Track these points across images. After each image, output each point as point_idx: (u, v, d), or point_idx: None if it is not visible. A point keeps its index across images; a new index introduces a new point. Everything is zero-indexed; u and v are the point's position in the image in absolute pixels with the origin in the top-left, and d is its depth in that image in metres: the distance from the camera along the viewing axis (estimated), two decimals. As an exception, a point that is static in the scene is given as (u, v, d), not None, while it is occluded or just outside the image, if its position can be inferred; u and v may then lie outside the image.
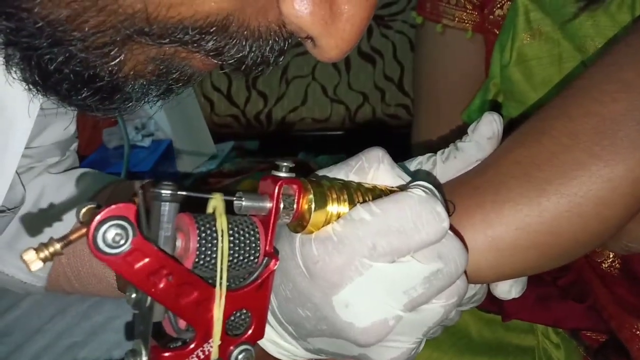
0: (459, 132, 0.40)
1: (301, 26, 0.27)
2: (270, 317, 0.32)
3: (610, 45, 0.38)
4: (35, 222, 0.46)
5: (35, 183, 0.49)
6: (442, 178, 0.36)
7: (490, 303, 0.40)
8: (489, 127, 0.35)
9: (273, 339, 0.33)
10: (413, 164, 0.37)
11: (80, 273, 0.50)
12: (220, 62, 0.27)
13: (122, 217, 0.22)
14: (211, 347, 0.26)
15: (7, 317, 0.54)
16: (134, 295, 0.26)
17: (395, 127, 1.55)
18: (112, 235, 0.22)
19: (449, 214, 0.32)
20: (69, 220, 0.46)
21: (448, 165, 0.36)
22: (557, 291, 0.57)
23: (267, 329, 0.32)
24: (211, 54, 0.26)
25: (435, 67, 0.69)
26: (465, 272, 0.31)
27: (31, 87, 0.27)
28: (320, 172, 0.32)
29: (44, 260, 0.22)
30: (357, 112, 1.56)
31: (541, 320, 0.58)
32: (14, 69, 0.27)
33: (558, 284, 0.57)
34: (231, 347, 0.27)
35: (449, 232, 0.29)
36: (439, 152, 0.37)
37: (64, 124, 0.50)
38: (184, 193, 0.24)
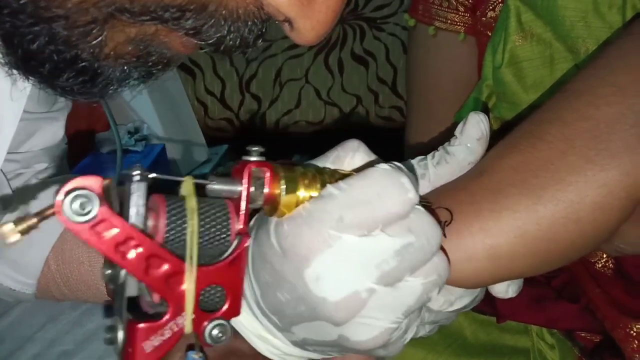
0: (452, 134, 0.40)
1: (278, 8, 0.27)
2: (255, 308, 0.32)
3: (603, 48, 0.38)
4: (12, 200, 0.46)
5: (24, 189, 0.49)
6: (436, 183, 0.36)
7: (485, 304, 0.40)
8: (476, 128, 0.35)
9: (261, 334, 0.32)
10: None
11: (69, 280, 0.50)
12: (199, 42, 0.28)
13: (87, 188, 0.24)
14: (185, 320, 0.27)
15: (-4, 325, 0.54)
16: (108, 271, 0.27)
17: (389, 129, 1.55)
18: (79, 203, 0.23)
19: (447, 222, 0.32)
20: (46, 198, 0.46)
21: (440, 170, 0.35)
22: (551, 292, 0.57)
23: (255, 323, 0.32)
24: (190, 32, 0.27)
25: (428, 70, 0.70)
26: (443, 250, 0.31)
27: (13, 70, 0.28)
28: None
29: (22, 232, 0.23)
30: (351, 115, 1.56)
31: (536, 321, 0.58)
32: None
33: (552, 284, 0.57)
34: (205, 322, 0.28)
35: (420, 207, 0.30)
36: (429, 156, 0.36)
37: (53, 129, 0.50)
38: (154, 175, 0.26)
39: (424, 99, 0.71)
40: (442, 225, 0.32)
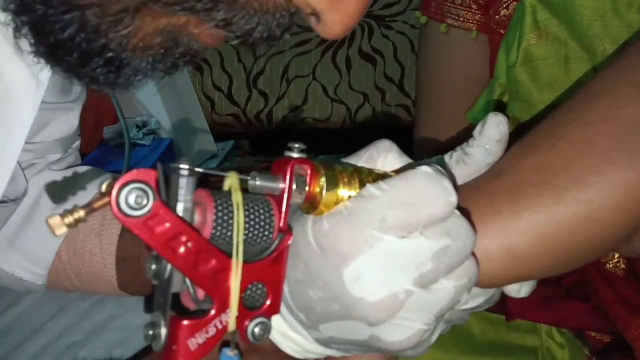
0: (463, 133, 0.40)
1: (307, 0, 0.27)
2: (282, 305, 0.31)
3: (624, 48, 0.38)
4: (59, 189, 0.46)
5: (37, 180, 0.49)
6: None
7: (495, 304, 0.40)
8: (496, 129, 0.35)
9: (284, 330, 0.32)
10: None
11: (80, 271, 0.50)
12: (228, 34, 0.28)
13: (143, 181, 0.23)
14: (228, 317, 0.27)
15: (6, 315, 0.54)
16: (153, 267, 0.26)
17: (396, 127, 1.55)
18: (134, 197, 0.23)
19: None
20: (92, 190, 0.46)
21: (458, 170, 0.35)
22: (562, 291, 0.57)
23: (278, 319, 0.32)
24: (220, 23, 0.27)
25: (439, 67, 0.69)
26: (474, 254, 0.31)
27: (41, 58, 0.28)
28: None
29: (69, 225, 0.23)
30: (358, 112, 1.56)
31: (545, 320, 0.57)
32: (23, 40, 0.27)
33: (562, 283, 0.57)
34: (247, 320, 0.28)
35: (456, 211, 0.30)
36: (446, 156, 0.36)
37: (68, 120, 0.50)
38: (201, 170, 0.25)
39: (434, 96, 0.71)
40: (473, 226, 0.32)
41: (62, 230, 0.23)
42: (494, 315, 0.59)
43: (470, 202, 0.33)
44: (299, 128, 1.56)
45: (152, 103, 1.21)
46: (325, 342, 0.32)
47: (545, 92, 0.54)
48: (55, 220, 0.23)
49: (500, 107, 0.58)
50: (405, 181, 0.29)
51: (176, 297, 0.28)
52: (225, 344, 0.28)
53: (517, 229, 0.32)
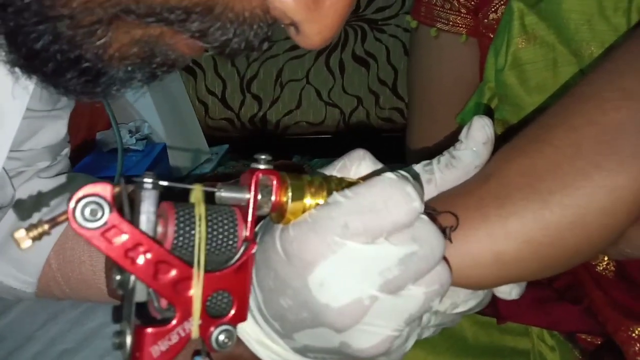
0: (455, 136, 0.40)
1: (285, 11, 0.27)
2: (257, 314, 0.32)
3: (610, 52, 0.38)
4: (25, 208, 0.47)
5: (25, 187, 0.49)
6: (442, 187, 0.36)
7: (486, 306, 0.40)
8: (482, 132, 0.35)
9: (262, 340, 0.32)
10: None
11: (70, 279, 0.49)
12: (204, 45, 0.28)
13: (98, 195, 0.24)
14: (192, 325, 0.27)
15: (-3, 323, 0.53)
16: (118, 277, 0.27)
17: (390, 130, 1.55)
18: (89, 210, 0.24)
19: (453, 227, 0.32)
20: (57, 206, 0.47)
21: (446, 174, 0.35)
22: (553, 293, 0.57)
23: (256, 329, 0.32)
24: (196, 35, 0.27)
25: (430, 71, 0.70)
26: (445, 259, 0.31)
27: (16, 68, 0.28)
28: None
29: (33, 239, 0.24)
30: (352, 116, 1.56)
31: (537, 323, 0.58)
32: None
33: (554, 286, 0.57)
34: (212, 328, 0.28)
35: (424, 217, 0.30)
36: (434, 161, 0.36)
37: (56, 127, 0.49)
38: (165, 183, 0.26)
39: (425, 100, 0.71)
40: (449, 230, 0.32)
41: (27, 244, 0.24)
42: (485, 318, 0.59)
43: (459, 206, 0.34)
44: (293, 132, 1.56)
45: (145, 108, 1.21)
46: (301, 351, 0.32)
47: (533, 95, 0.54)
48: (20, 234, 0.24)
49: (488, 111, 0.58)
50: (368, 188, 0.29)
51: (144, 306, 0.28)
52: (198, 352, 0.29)
53: (505, 234, 0.33)
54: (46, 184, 0.49)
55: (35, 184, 0.49)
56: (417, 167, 0.37)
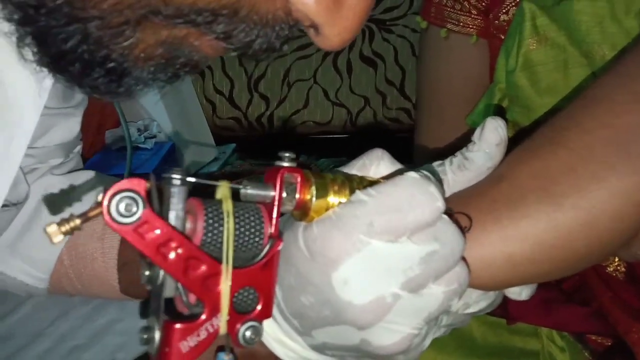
0: (463, 138, 0.40)
1: (307, 13, 0.28)
2: (276, 312, 0.32)
3: (622, 55, 0.38)
4: (57, 201, 0.47)
5: (39, 184, 0.49)
6: (454, 188, 0.36)
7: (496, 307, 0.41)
8: (495, 133, 0.35)
9: (280, 337, 0.33)
10: None
11: (82, 275, 0.50)
12: (228, 47, 0.28)
13: (132, 190, 0.24)
14: (220, 321, 0.27)
15: (9, 320, 0.54)
16: (147, 273, 0.27)
17: (397, 131, 1.55)
18: (124, 205, 0.24)
19: (466, 228, 0.33)
20: (88, 200, 0.47)
21: (459, 175, 0.35)
22: (563, 294, 0.57)
23: (274, 326, 0.32)
24: (221, 36, 0.27)
25: (439, 72, 0.69)
26: (464, 259, 0.31)
27: (43, 67, 0.28)
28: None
29: (65, 233, 0.24)
30: (359, 116, 1.56)
31: (546, 324, 0.57)
32: (26, 49, 0.28)
33: (563, 287, 0.57)
34: (239, 324, 0.28)
35: (445, 216, 0.30)
36: (446, 161, 0.36)
37: (69, 125, 0.50)
38: (193, 180, 0.26)
39: (434, 101, 0.71)
40: (462, 231, 0.32)
41: (59, 239, 0.24)
42: (495, 319, 0.59)
43: (472, 208, 0.34)
44: (300, 131, 1.56)
45: (154, 107, 1.22)
46: (319, 349, 0.32)
47: (544, 97, 0.54)
48: (52, 229, 0.24)
49: (499, 111, 0.58)
50: (393, 187, 0.29)
51: (171, 302, 0.28)
52: (221, 348, 0.29)
53: (517, 236, 0.33)
54: (59, 181, 0.50)
55: (48, 181, 0.50)
56: (433, 167, 0.37)
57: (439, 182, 0.34)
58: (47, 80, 0.36)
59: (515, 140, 0.38)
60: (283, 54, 1.48)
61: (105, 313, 0.54)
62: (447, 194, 0.36)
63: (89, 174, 0.53)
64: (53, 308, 0.54)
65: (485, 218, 0.33)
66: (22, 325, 0.54)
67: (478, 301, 0.35)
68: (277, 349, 0.33)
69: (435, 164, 0.37)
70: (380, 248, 0.29)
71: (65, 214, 0.45)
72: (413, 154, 0.74)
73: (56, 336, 0.52)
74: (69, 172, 0.53)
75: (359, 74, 1.53)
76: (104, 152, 1.15)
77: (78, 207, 0.47)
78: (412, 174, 0.30)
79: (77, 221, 0.24)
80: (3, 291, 0.52)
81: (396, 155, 0.34)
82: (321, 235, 0.29)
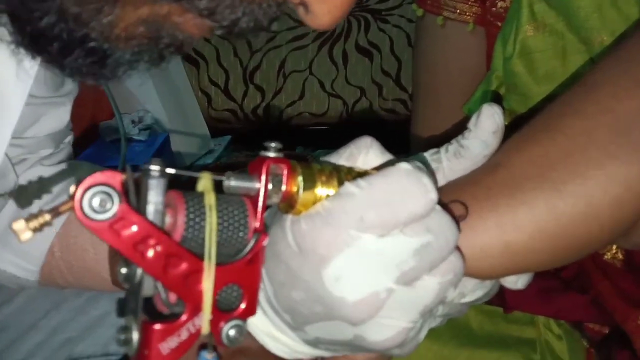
0: (460, 126, 0.39)
1: None
2: (267, 307, 0.31)
3: (623, 41, 0.37)
4: (25, 194, 0.46)
5: (28, 175, 0.48)
6: (450, 177, 0.35)
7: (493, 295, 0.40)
8: (491, 120, 0.34)
9: (272, 333, 0.32)
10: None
11: (73, 267, 0.49)
12: (213, 24, 0.27)
13: (107, 184, 0.23)
14: (202, 321, 0.26)
15: (1, 312, 0.53)
16: (124, 270, 0.26)
17: (393, 121, 1.54)
18: (98, 200, 0.23)
19: (463, 217, 0.32)
20: (60, 194, 0.46)
21: (454, 164, 0.35)
22: (560, 283, 0.57)
23: (265, 321, 0.32)
24: (204, 12, 0.26)
25: (436, 60, 0.69)
26: (459, 249, 0.30)
27: (22, 47, 0.27)
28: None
29: (34, 230, 0.22)
30: (355, 107, 1.55)
31: (544, 312, 0.57)
32: (2, 28, 0.27)
33: (561, 275, 0.57)
34: (222, 323, 0.27)
35: (438, 206, 0.29)
36: (442, 149, 0.36)
37: (59, 114, 0.49)
38: (172, 171, 0.25)
39: (431, 89, 0.70)
40: (457, 220, 0.31)
41: (27, 235, 0.22)
42: (491, 308, 0.59)
43: (468, 196, 0.33)
44: (296, 123, 1.55)
45: (148, 98, 1.21)
46: (312, 343, 0.32)
47: (542, 84, 0.53)
48: (20, 226, 0.22)
49: (497, 98, 0.58)
50: (384, 179, 0.28)
51: (150, 300, 0.27)
52: (204, 346, 0.28)
53: (515, 224, 0.32)
54: (49, 172, 0.49)
55: (37, 171, 0.49)
56: (426, 156, 0.36)
57: (432, 172, 0.33)
58: (27, 63, 0.35)
59: (512, 129, 0.37)
60: (278, 45, 1.47)
61: (97, 305, 0.53)
62: (443, 183, 0.35)
63: (81, 165, 0.52)
64: (45, 300, 0.54)
65: (482, 206, 0.32)
66: (15, 318, 0.53)
67: (474, 290, 0.35)
68: (269, 344, 0.32)
69: (431, 152, 0.36)
70: (372, 242, 0.28)
71: (33, 208, 0.44)
72: (410, 144, 0.73)
73: (49, 329, 0.52)
74: (60, 162, 0.52)
75: (355, 64, 1.52)
76: (98, 144, 1.15)
77: (49, 201, 0.45)
78: (403, 165, 0.28)
79: (47, 216, 0.23)
80: (-5, 284, 0.52)
81: (392, 146, 0.33)
82: (310, 231, 0.28)
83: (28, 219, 0.22)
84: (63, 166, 0.51)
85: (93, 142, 1.15)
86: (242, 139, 1.44)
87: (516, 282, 0.36)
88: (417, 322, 0.30)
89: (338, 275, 0.28)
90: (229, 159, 1.29)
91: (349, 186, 0.28)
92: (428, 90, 0.71)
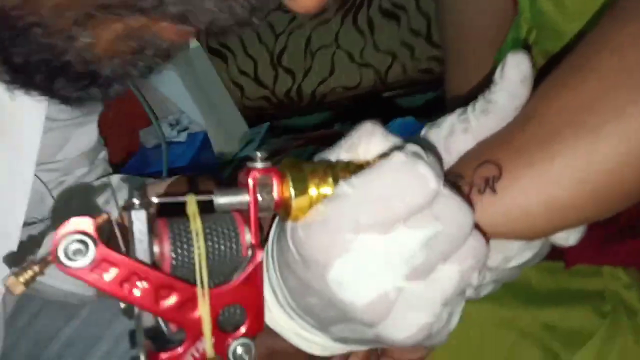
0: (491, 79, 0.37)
1: None
2: (290, 310, 0.31)
3: None
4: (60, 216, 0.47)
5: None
6: (480, 136, 0.33)
7: (550, 251, 0.38)
8: (517, 69, 0.32)
9: (301, 333, 0.32)
10: (444, 127, 0.34)
11: None
12: (192, 29, 0.27)
13: (79, 232, 0.23)
14: (205, 345, 0.26)
15: (68, 327, 0.56)
16: (123, 305, 0.26)
17: (430, 81, 1.50)
18: (73, 249, 0.23)
19: (496, 178, 0.30)
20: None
21: (483, 121, 0.32)
22: (619, 230, 0.53)
23: (291, 323, 0.31)
24: (176, 19, 0.26)
25: (462, 10, 0.65)
26: (478, 230, 0.28)
27: (8, 85, 0.28)
28: (316, 158, 0.31)
29: (26, 284, 0.23)
30: (388, 73, 1.52)
31: (608, 261, 0.54)
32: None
33: (620, 222, 0.54)
34: (229, 342, 0.27)
35: (444, 190, 0.27)
36: (469, 108, 0.33)
37: (86, 133, 0.50)
38: (155, 200, 0.25)
39: (462, 43, 0.67)
40: (492, 180, 0.30)
41: (20, 289, 0.23)
42: (551, 263, 0.56)
43: (500, 155, 0.31)
44: (330, 99, 1.53)
45: (181, 100, 1.22)
46: (341, 340, 0.31)
47: (574, 21, 0.50)
48: (11, 281, 0.23)
49: (527, 46, 0.54)
50: (376, 174, 0.27)
51: (157, 327, 0.27)
52: None
53: (553, 178, 0.30)
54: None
55: (76, 191, 0.50)
56: (452, 118, 0.34)
57: (433, 153, 0.31)
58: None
59: (548, 70, 0.34)
60: (301, 24, 1.45)
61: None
62: (473, 143, 0.33)
63: (115, 179, 0.53)
64: (106, 312, 0.55)
65: (516, 163, 0.30)
66: (81, 331, 0.55)
67: (521, 252, 0.33)
68: (300, 344, 0.32)
69: (458, 112, 0.34)
70: (372, 242, 0.26)
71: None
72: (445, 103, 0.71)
73: (112, 338, 0.54)
74: (97, 179, 0.53)
75: (382, 29, 1.48)
76: (140, 152, 1.17)
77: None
78: (396, 156, 0.27)
79: (36, 268, 0.23)
80: (61, 302, 0.54)
81: (434, 107, 0.31)
82: (308, 239, 0.27)
83: (18, 273, 0.23)
84: (101, 181, 0.52)
85: (135, 150, 1.18)
86: (279, 124, 1.44)
87: (567, 238, 0.34)
88: (442, 313, 0.28)
89: (340, 280, 0.27)
90: (269, 145, 1.29)
91: (342, 186, 0.27)
92: (457, 43, 0.67)
